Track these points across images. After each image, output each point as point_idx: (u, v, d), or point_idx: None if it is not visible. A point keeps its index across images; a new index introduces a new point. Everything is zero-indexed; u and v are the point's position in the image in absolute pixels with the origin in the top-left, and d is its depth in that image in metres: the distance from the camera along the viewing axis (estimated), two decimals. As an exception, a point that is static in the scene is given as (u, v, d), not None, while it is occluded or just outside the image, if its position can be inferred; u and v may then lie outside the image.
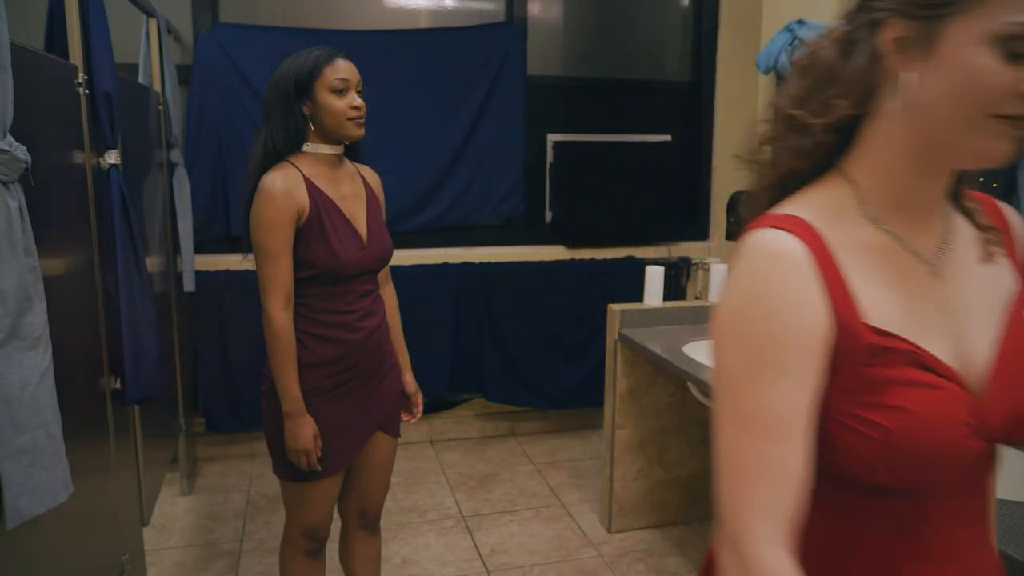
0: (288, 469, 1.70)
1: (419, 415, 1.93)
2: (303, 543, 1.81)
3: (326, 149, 1.66)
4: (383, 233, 1.76)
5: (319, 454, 1.66)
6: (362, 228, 1.71)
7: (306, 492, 1.74)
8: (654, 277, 2.71)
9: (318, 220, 1.61)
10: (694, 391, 2.37)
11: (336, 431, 1.70)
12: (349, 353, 1.69)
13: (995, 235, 0.80)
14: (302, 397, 1.63)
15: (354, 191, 1.73)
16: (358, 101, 1.64)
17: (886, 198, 0.75)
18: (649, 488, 2.78)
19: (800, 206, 0.76)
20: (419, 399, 1.92)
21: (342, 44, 3.13)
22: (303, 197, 1.60)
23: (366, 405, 1.76)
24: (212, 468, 3.25)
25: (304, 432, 1.62)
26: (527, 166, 3.49)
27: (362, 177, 1.77)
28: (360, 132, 1.66)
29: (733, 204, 2.70)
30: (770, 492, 0.68)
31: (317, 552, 1.85)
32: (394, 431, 1.86)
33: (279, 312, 1.60)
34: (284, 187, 1.57)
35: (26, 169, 1.21)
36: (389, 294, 1.88)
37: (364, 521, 1.91)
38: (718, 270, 2.80)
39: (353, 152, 1.77)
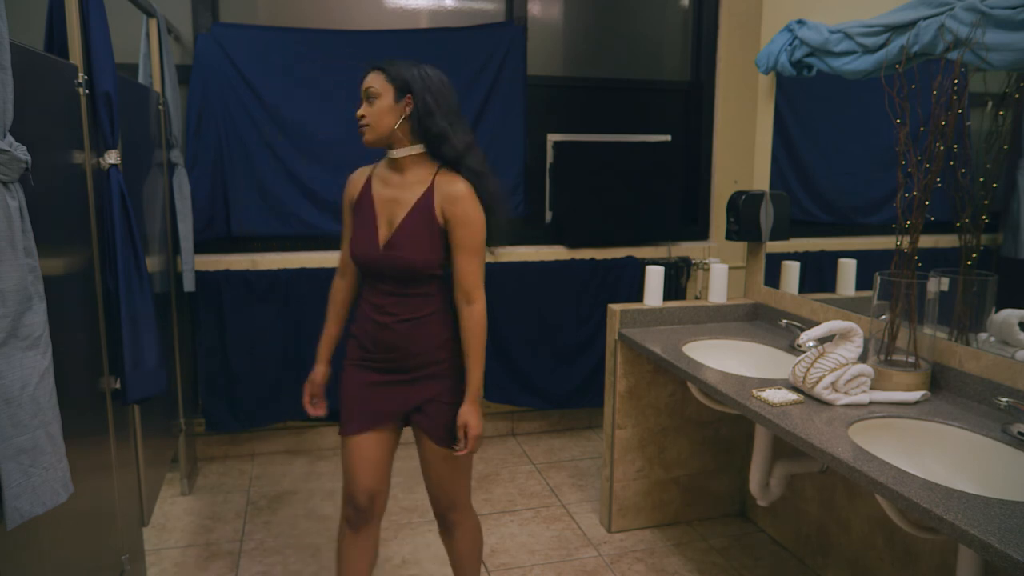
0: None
1: (467, 449, 1.79)
2: (343, 508, 1.91)
3: (389, 152, 1.79)
4: (414, 245, 1.74)
5: (309, 397, 1.99)
6: (385, 232, 1.77)
7: (342, 449, 1.89)
8: (654, 277, 2.71)
9: (354, 211, 1.83)
10: (694, 391, 2.37)
11: (350, 398, 1.86)
12: (365, 336, 1.83)
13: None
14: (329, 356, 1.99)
15: (400, 196, 1.77)
16: (359, 110, 1.76)
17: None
18: (649, 488, 2.78)
19: None
20: (468, 432, 1.79)
21: (342, 44, 3.16)
22: (356, 189, 1.84)
23: (382, 394, 1.84)
24: (212, 468, 3.25)
25: (311, 376, 1.98)
26: (527, 166, 3.49)
27: (430, 187, 1.75)
28: (364, 138, 1.76)
29: (733, 204, 2.70)
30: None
31: (355, 523, 1.88)
32: (436, 439, 1.84)
33: (336, 277, 1.96)
34: (353, 177, 1.87)
35: (26, 169, 1.21)
36: (469, 315, 1.81)
37: (437, 518, 2.00)
38: (718, 270, 2.80)
39: (448, 160, 1.77)
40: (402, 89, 1.72)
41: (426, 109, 1.72)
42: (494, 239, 1.84)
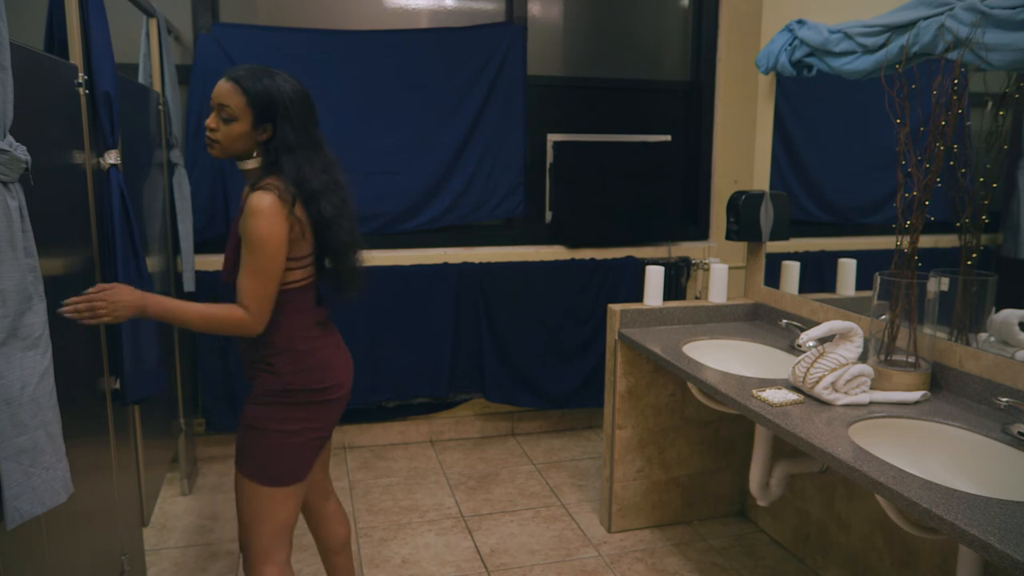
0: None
1: (78, 301, 1.52)
2: (286, 551, 1.77)
3: (237, 163, 1.66)
4: (228, 265, 1.70)
5: None
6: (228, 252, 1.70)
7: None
8: (654, 277, 2.71)
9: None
10: (694, 391, 2.37)
11: None
12: None
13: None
14: None
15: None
16: (210, 121, 1.59)
17: None
18: (649, 488, 2.78)
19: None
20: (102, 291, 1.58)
21: (342, 44, 3.16)
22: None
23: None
24: (212, 468, 3.25)
25: None
26: (527, 166, 3.49)
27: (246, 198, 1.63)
28: (210, 151, 1.62)
29: (733, 204, 2.70)
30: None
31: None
32: (236, 459, 1.74)
33: None
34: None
35: (26, 169, 1.21)
36: (231, 310, 1.68)
37: None
38: (718, 270, 2.80)
39: (254, 175, 1.65)
40: (262, 117, 1.58)
41: (285, 144, 1.58)
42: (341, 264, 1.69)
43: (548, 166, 3.61)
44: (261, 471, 1.67)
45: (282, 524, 1.71)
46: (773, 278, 2.74)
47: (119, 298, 1.51)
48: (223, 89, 1.57)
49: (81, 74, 1.76)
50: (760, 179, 2.76)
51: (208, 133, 1.60)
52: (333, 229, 1.62)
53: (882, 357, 2.00)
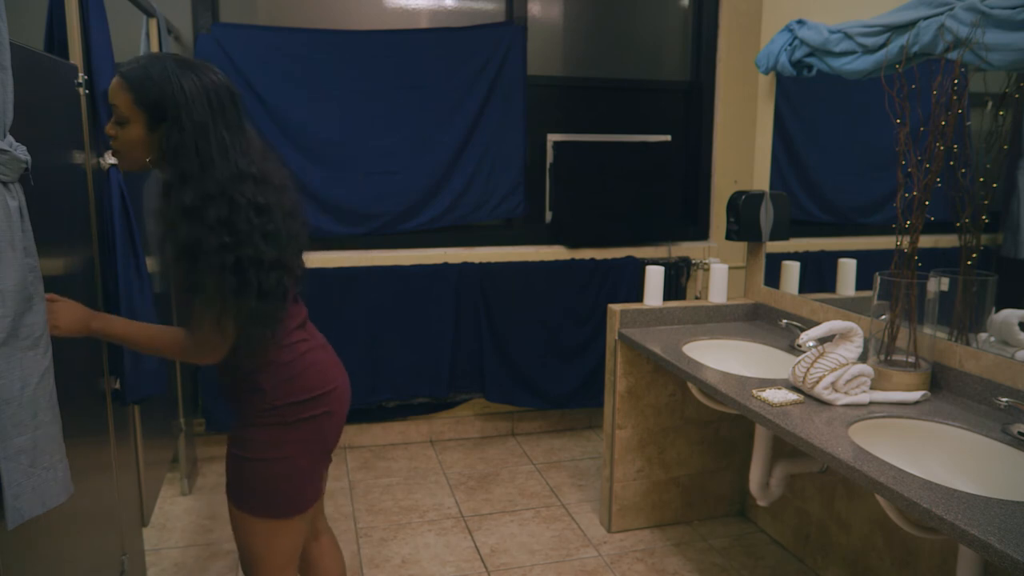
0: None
1: None
2: None
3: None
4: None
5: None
6: None
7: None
8: (654, 277, 2.71)
9: None
10: (694, 391, 2.37)
11: None
12: None
13: None
14: None
15: None
16: (108, 127, 1.39)
17: None
18: (649, 488, 2.78)
19: None
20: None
21: (342, 44, 3.16)
22: None
23: None
24: (212, 468, 3.25)
25: None
26: (527, 166, 3.49)
27: None
28: (119, 165, 1.44)
29: (733, 204, 2.71)
30: None
31: None
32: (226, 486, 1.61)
33: None
34: None
35: (26, 169, 1.21)
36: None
37: None
38: (718, 270, 2.80)
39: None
40: (156, 118, 1.34)
41: (180, 151, 1.33)
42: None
43: (548, 166, 3.61)
44: (256, 503, 1.52)
45: (289, 556, 1.58)
46: (773, 278, 2.74)
47: (56, 321, 1.37)
48: (111, 86, 1.36)
49: (81, 74, 1.76)
50: (760, 179, 2.76)
51: (111, 142, 1.40)
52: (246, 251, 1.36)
53: (882, 357, 2.00)
